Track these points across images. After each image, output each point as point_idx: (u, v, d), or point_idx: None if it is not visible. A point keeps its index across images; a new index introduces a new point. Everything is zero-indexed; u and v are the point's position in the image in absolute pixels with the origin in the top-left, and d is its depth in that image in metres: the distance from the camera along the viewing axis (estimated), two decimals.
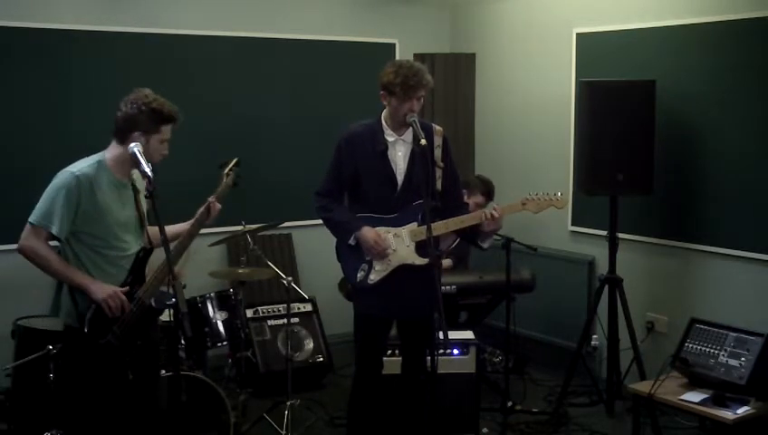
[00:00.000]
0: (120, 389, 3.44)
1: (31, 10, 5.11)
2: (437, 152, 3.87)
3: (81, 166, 3.37)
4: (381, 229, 3.87)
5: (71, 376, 3.46)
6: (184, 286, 3.37)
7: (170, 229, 3.70)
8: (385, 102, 3.82)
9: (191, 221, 3.60)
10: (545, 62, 5.88)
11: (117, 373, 3.42)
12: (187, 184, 5.22)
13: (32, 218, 3.34)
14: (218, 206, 3.62)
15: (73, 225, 3.33)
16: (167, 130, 3.42)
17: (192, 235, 3.56)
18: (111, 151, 3.43)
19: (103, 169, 3.39)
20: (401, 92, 3.71)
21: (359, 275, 3.89)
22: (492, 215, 3.81)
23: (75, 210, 3.31)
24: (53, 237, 3.35)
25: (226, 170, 3.72)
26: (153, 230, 3.65)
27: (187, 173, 5.22)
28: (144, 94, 3.39)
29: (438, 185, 3.81)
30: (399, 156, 3.87)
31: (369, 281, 3.88)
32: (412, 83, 3.70)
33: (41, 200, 3.35)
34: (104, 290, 3.34)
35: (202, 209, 3.59)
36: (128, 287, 3.42)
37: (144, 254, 3.50)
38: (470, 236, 3.99)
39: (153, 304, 3.51)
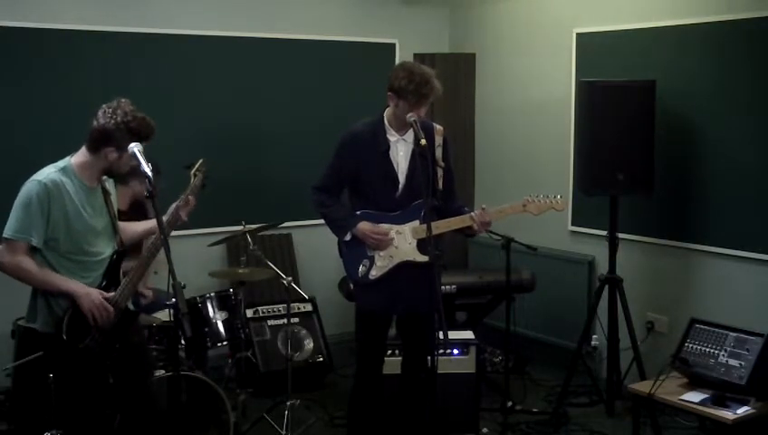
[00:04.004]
0: (101, 393, 3.41)
1: (31, 10, 5.11)
2: (438, 151, 3.88)
3: (47, 173, 3.31)
4: (384, 226, 3.88)
5: (59, 381, 3.43)
6: (184, 286, 3.36)
7: (143, 225, 3.69)
8: (392, 104, 3.81)
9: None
10: (545, 62, 5.88)
11: (97, 378, 3.38)
12: (187, 184, 5.24)
13: (8, 233, 3.26)
14: (193, 201, 3.55)
15: (47, 233, 3.27)
16: (140, 147, 3.31)
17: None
18: (79, 157, 3.38)
19: (70, 174, 3.34)
20: (413, 99, 3.71)
21: (360, 269, 3.90)
22: (484, 221, 3.87)
23: (47, 217, 3.26)
24: (32, 249, 3.28)
25: (193, 171, 3.67)
26: (123, 228, 3.62)
27: (188, 173, 5.22)
28: (124, 110, 3.31)
29: (440, 184, 3.82)
30: (401, 155, 3.89)
31: (370, 276, 3.89)
32: (424, 92, 3.72)
33: (13, 213, 3.28)
34: (92, 299, 3.29)
35: (173, 209, 3.52)
36: (113, 293, 3.37)
37: (117, 256, 3.46)
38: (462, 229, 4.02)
39: (130, 306, 3.48)
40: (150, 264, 3.46)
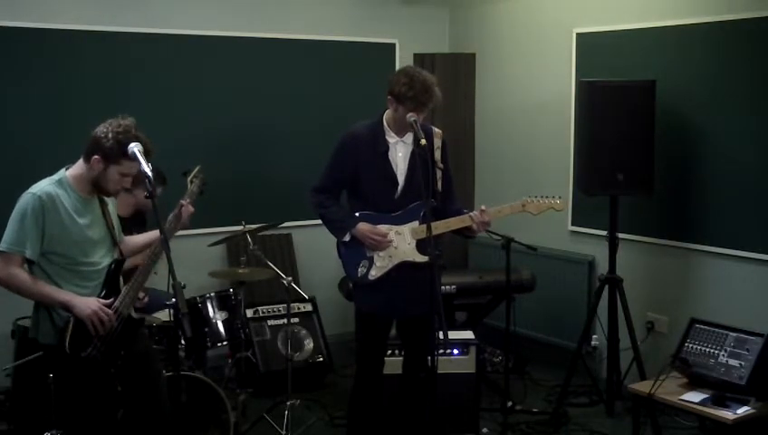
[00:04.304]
0: (109, 401, 3.40)
1: (31, 10, 5.11)
2: (437, 154, 3.88)
3: (42, 186, 3.31)
4: (383, 227, 3.88)
5: (63, 390, 3.43)
6: (184, 286, 3.36)
7: (143, 237, 3.70)
8: (391, 107, 3.82)
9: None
10: (545, 62, 5.88)
11: (104, 386, 3.38)
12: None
13: (2, 246, 3.26)
14: (191, 209, 3.56)
15: (42, 245, 3.27)
16: (129, 166, 3.30)
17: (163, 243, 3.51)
18: (75, 169, 3.37)
19: (65, 186, 3.33)
20: (411, 106, 3.71)
21: (359, 270, 3.90)
22: (483, 221, 3.87)
23: (42, 230, 3.25)
24: (26, 261, 3.28)
25: (190, 177, 3.69)
26: (124, 241, 3.61)
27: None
28: (119, 123, 3.30)
29: (439, 186, 3.82)
30: (400, 157, 3.89)
31: (369, 277, 3.89)
32: (423, 99, 3.72)
33: (8, 226, 3.27)
34: (89, 306, 3.28)
35: (171, 217, 3.53)
36: (112, 299, 3.36)
37: (116, 265, 3.45)
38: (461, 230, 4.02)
39: (133, 314, 3.48)
40: (151, 271, 3.46)
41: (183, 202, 3.56)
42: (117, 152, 3.27)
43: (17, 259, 3.26)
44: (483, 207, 3.90)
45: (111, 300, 3.37)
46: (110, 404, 3.42)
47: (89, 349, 3.31)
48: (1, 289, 3.38)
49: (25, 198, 3.28)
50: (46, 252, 3.29)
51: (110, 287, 3.40)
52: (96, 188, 3.38)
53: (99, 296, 3.36)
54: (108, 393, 3.39)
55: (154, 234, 3.57)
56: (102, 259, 3.42)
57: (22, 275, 3.27)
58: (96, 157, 3.29)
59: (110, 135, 3.27)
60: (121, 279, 3.49)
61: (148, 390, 3.55)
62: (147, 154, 3.29)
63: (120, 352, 3.39)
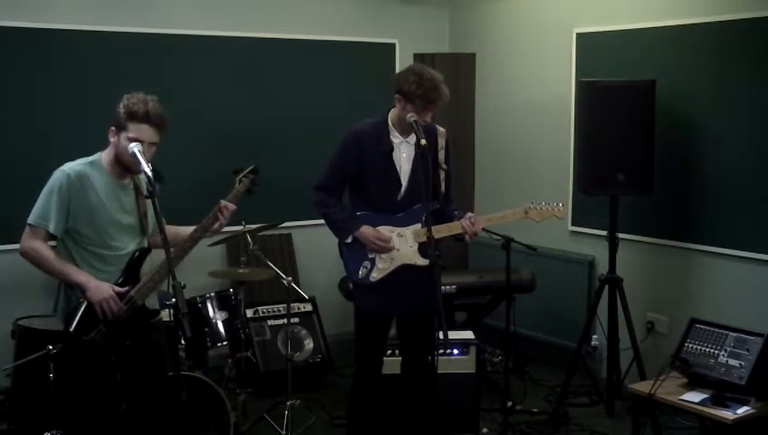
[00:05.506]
0: (107, 389, 3.42)
1: (31, 10, 5.11)
2: (441, 154, 3.87)
3: (74, 164, 3.40)
4: (385, 228, 3.87)
5: (63, 376, 3.45)
6: (184, 286, 3.37)
7: (173, 230, 3.70)
8: (399, 106, 3.78)
9: (196, 226, 3.59)
10: (545, 62, 5.88)
11: (103, 373, 3.40)
12: (188, 183, 5.23)
13: (30, 219, 3.37)
14: (232, 207, 3.63)
15: (66, 222, 3.35)
16: (136, 129, 3.32)
17: (195, 239, 3.55)
18: (108, 152, 3.45)
19: (98, 168, 3.41)
20: (420, 104, 3.69)
21: (361, 271, 3.90)
22: (475, 231, 3.86)
23: (67, 207, 3.33)
24: (51, 236, 3.37)
25: (240, 176, 3.76)
26: (173, 231, 3.62)
27: (188, 173, 5.23)
28: (132, 94, 3.40)
29: (442, 187, 3.81)
30: (404, 157, 3.87)
31: (371, 278, 3.88)
32: (432, 97, 3.70)
33: (38, 200, 3.38)
34: (101, 292, 3.33)
35: (210, 215, 3.58)
36: (127, 288, 3.41)
37: (139, 254, 3.49)
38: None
39: (152, 305, 3.49)
40: (175, 264, 3.46)
41: (223, 201, 3.61)
42: (124, 117, 3.32)
43: (42, 233, 3.35)
44: (471, 219, 3.86)
45: (127, 289, 3.40)
46: (107, 392, 3.43)
47: (92, 333, 3.34)
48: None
49: (56, 175, 3.37)
50: (70, 229, 3.36)
51: (128, 275, 3.44)
52: (120, 166, 3.42)
53: (116, 283, 3.39)
54: (106, 381, 3.40)
55: (185, 231, 3.60)
56: (127, 245, 3.47)
57: (45, 249, 3.35)
58: (112, 128, 3.37)
59: (122, 103, 3.36)
60: (143, 269, 3.52)
61: (149, 383, 3.56)
62: (161, 121, 3.36)
63: (124, 341, 3.40)
